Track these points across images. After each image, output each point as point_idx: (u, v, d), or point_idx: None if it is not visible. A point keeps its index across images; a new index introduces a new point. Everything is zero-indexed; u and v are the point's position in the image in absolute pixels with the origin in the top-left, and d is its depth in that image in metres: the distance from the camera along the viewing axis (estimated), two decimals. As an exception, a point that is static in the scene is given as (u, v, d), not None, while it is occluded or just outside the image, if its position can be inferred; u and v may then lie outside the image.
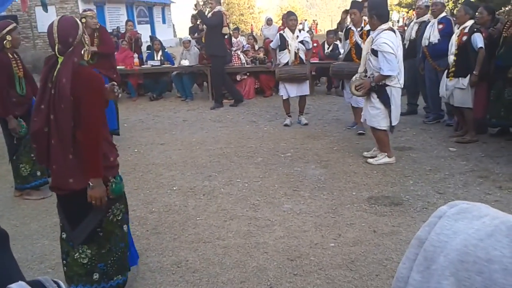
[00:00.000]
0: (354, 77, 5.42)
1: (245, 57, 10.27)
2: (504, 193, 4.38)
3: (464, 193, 4.41)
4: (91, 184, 2.56)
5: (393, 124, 5.25)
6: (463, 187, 4.58)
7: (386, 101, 5.14)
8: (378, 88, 5.14)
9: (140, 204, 4.49)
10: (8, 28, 4.45)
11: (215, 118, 8.32)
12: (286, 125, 7.38)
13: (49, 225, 4.17)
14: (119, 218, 2.81)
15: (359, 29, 6.39)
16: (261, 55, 10.32)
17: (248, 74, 10.24)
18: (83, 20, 5.95)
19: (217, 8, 8.93)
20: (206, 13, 8.90)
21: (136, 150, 6.39)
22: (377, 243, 3.54)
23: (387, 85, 5.11)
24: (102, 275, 2.77)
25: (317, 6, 57.25)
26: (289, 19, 7.09)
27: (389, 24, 5.23)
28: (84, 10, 6.34)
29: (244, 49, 10.60)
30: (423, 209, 4.09)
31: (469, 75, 5.82)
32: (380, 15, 5.04)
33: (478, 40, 5.78)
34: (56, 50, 2.57)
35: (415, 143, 6.11)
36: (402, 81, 5.21)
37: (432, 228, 0.76)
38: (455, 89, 5.93)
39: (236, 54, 10.19)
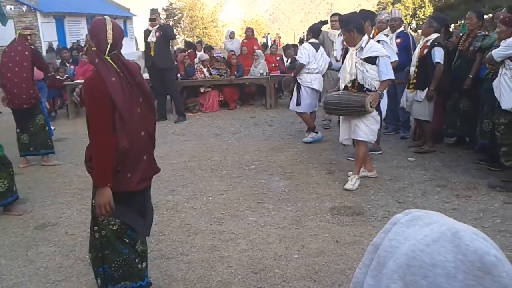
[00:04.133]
0: (333, 95, 5.14)
1: (208, 70, 10.24)
2: (461, 201, 4.52)
3: (423, 202, 4.53)
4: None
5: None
6: (422, 196, 4.70)
7: (379, 110, 4.98)
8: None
9: (101, 220, 4.39)
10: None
11: (178, 131, 8.26)
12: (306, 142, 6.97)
13: (6, 245, 4.02)
14: (115, 228, 2.76)
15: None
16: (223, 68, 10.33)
17: (211, 86, 10.24)
18: (28, 38, 5.98)
19: (162, 21, 9.27)
20: (148, 28, 8.97)
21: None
22: (340, 253, 3.59)
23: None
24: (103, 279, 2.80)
25: (280, 20, 58.23)
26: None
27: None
28: (25, 28, 6.31)
29: (202, 59, 10.49)
30: (383, 218, 4.17)
31: (426, 89, 5.86)
32: (359, 29, 4.83)
33: (437, 54, 5.76)
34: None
35: (375, 154, 6.22)
36: None
37: (387, 234, 0.78)
38: (414, 101, 6.03)
39: (199, 68, 10.17)
